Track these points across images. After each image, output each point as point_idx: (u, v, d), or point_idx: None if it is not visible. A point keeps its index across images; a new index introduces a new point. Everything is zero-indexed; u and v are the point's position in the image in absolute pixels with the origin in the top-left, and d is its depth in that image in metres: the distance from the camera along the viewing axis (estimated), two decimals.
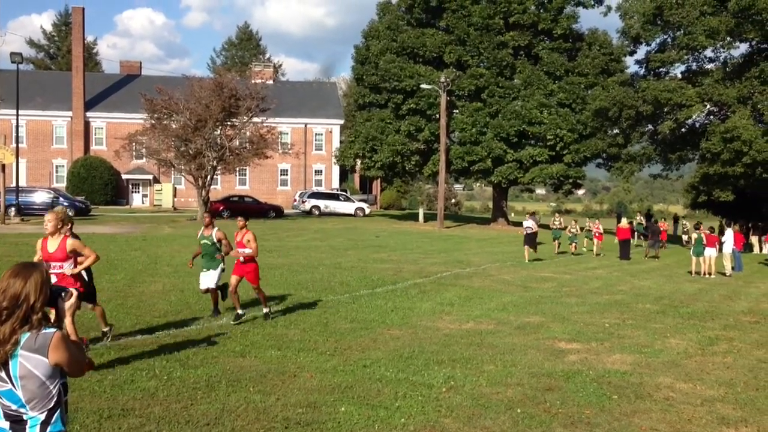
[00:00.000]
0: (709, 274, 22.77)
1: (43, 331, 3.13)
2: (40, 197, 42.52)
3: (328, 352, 9.53)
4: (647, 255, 30.44)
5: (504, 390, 8.03)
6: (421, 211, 53.03)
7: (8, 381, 3.09)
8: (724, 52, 40.25)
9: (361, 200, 56.86)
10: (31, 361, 3.09)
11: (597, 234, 31.07)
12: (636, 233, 38.07)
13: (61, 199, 43.08)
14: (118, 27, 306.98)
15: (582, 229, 32.29)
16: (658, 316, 13.82)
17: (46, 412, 3.16)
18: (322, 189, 60.07)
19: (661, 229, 36.52)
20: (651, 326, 12.63)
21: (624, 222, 30.16)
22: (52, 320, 3.23)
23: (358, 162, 53.34)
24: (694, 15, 37.42)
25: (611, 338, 11.37)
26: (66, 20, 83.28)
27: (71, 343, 3.23)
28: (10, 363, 3.08)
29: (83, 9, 61.85)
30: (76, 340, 3.30)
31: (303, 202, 53.00)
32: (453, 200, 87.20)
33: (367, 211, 53.71)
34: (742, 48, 41.07)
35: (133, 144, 44.77)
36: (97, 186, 57.33)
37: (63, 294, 3.29)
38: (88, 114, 61.14)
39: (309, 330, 11.01)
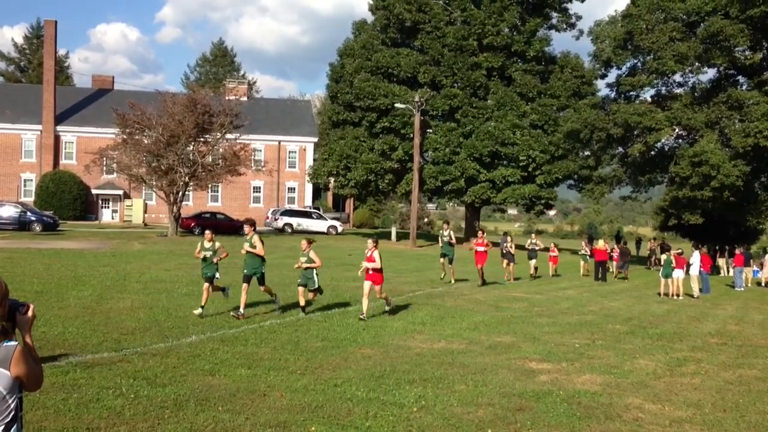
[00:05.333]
0: (677, 295, 23.04)
1: (5, 344, 3.08)
2: (8, 211, 41.85)
3: (298, 371, 9.45)
4: (616, 276, 30.74)
5: (475, 410, 8.01)
6: (393, 230, 53.07)
7: None
8: (692, 77, 41.19)
9: (334, 218, 56.70)
10: None
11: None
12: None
13: (28, 213, 42.45)
14: (91, 41, 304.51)
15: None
16: (628, 337, 13.93)
17: (2, 426, 3.10)
18: (295, 207, 59.85)
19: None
20: (620, 347, 12.72)
21: (601, 243, 30.47)
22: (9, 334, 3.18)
23: (332, 180, 53.32)
24: (663, 40, 38.18)
25: (581, 359, 11.42)
26: (38, 33, 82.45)
27: (31, 357, 3.19)
28: None
29: (55, 22, 61.31)
30: (34, 355, 3.24)
31: (276, 219, 52.72)
32: (426, 219, 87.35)
33: (340, 229, 53.58)
34: (710, 73, 42.00)
35: (104, 159, 44.31)
36: (66, 201, 56.52)
37: (20, 308, 3.23)
38: (59, 128, 60.40)
39: (280, 348, 10.92)
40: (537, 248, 28.14)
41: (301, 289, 14.65)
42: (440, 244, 23.48)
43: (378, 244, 14.99)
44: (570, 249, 42.79)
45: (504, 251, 26.32)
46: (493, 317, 15.74)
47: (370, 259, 14.65)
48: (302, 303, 14.58)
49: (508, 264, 25.93)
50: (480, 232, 24.34)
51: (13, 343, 3.12)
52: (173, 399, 7.82)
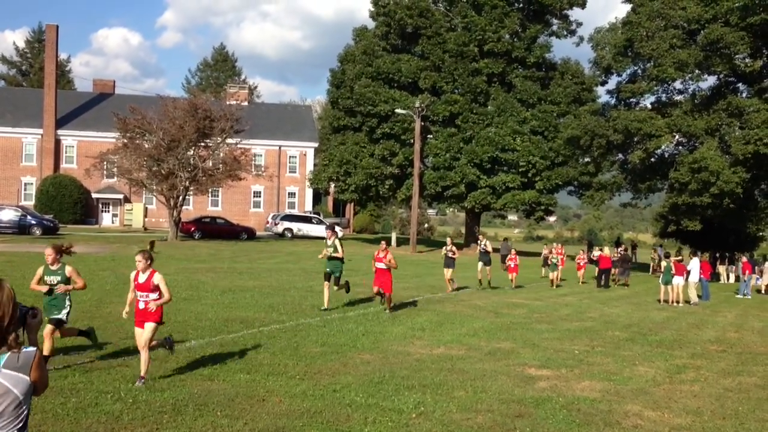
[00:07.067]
0: (677, 302, 23.03)
1: (25, 349, 3.10)
2: (8, 215, 41.90)
3: (297, 377, 9.44)
4: (617, 283, 30.71)
5: (474, 416, 8.00)
6: (393, 236, 53.03)
7: None
8: (692, 84, 41.21)
9: (334, 223, 56.71)
10: (12, 380, 3.03)
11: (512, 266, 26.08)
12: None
13: (28, 217, 42.46)
14: (93, 45, 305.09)
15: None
16: (627, 344, 13.92)
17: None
18: (295, 212, 59.86)
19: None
20: (620, 354, 12.71)
21: (606, 250, 30.48)
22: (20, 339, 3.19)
23: (332, 185, 53.34)
24: (663, 48, 38.22)
25: (581, 365, 11.41)
26: (39, 37, 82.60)
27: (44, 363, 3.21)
28: None
29: (57, 26, 61.41)
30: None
31: (276, 224, 52.74)
32: (426, 225, 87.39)
33: (340, 234, 53.51)
34: (710, 81, 42.04)
35: (105, 163, 44.38)
36: (66, 204, 56.53)
37: (31, 311, 3.27)
38: (59, 132, 60.46)
39: (279, 353, 10.91)
40: (487, 250, 24.69)
41: (48, 328, 8.55)
42: (325, 253, 16.50)
43: (151, 259, 8.93)
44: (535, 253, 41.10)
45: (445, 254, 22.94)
46: (493, 323, 15.73)
47: (143, 287, 8.82)
48: (48, 347, 8.51)
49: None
50: (382, 243, 17.15)
51: (32, 348, 3.14)
52: (172, 404, 7.81)
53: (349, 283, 17.35)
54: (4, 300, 3.10)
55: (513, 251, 27.39)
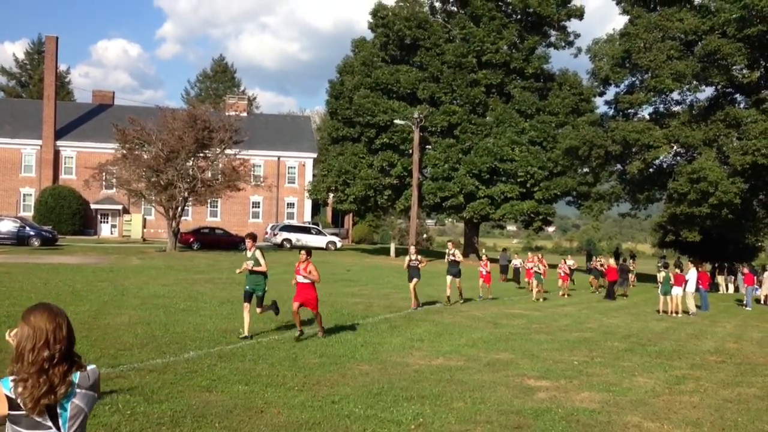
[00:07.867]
0: (676, 312, 23.01)
1: (89, 367, 3.15)
2: (6, 226, 41.86)
3: (296, 388, 9.41)
4: (616, 293, 30.68)
5: (473, 427, 7.97)
6: (392, 246, 53.04)
7: (53, 426, 2.97)
8: (690, 95, 41.35)
9: (332, 234, 56.71)
10: (84, 399, 3.07)
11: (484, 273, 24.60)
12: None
13: (27, 228, 42.44)
14: (92, 57, 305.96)
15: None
16: (626, 354, 13.88)
17: None
18: (294, 222, 59.87)
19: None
20: (619, 364, 12.68)
21: (611, 262, 30.50)
22: None
23: (331, 195, 53.40)
24: (661, 59, 38.36)
25: (580, 376, 11.38)
26: (39, 49, 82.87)
27: None
28: (60, 405, 2.99)
29: (57, 38, 61.63)
30: None
31: (274, 234, 52.72)
32: (425, 235, 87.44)
33: (339, 245, 53.56)
34: (708, 91, 42.18)
35: (104, 174, 44.42)
36: (65, 215, 56.53)
37: None
38: (59, 143, 60.55)
39: (277, 364, 10.87)
40: (456, 258, 21.94)
41: None
42: (245, 267, 13.63)
43: None
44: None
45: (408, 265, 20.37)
46: (492, 334, 15.70)
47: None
48: None
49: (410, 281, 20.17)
50: (302, 253, 13.99)
51: (93, 366, 3.19)
52: (170, 415, 7.78)
53: (277, 304, 14.55)
54: (69, 321, 3.13)
55: (485, 256, 25.49)
